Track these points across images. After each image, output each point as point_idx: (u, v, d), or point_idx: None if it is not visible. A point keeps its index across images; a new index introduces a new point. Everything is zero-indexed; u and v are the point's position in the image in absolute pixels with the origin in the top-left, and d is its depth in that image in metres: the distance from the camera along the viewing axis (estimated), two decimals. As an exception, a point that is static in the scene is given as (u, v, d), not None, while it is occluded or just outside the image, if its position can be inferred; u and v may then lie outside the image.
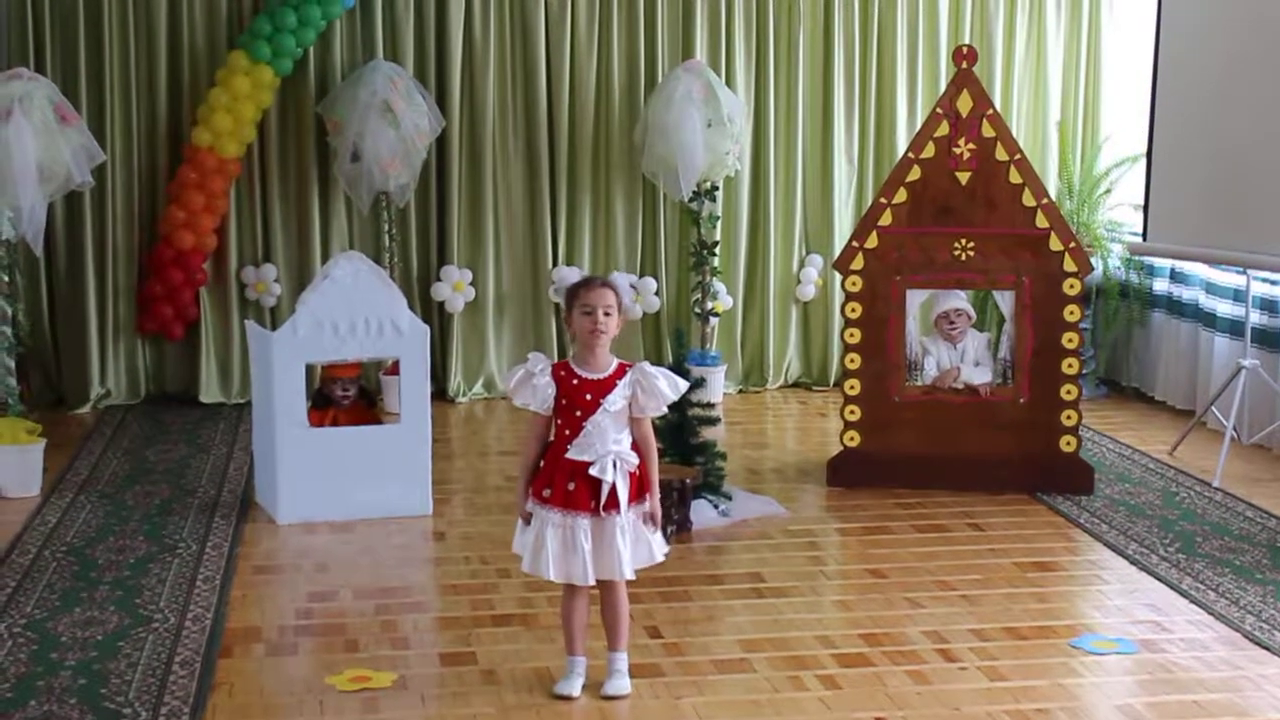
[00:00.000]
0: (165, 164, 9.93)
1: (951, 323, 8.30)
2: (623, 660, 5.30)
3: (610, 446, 5.14)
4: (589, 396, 5.15)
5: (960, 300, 8.34)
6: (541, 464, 5.22)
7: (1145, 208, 9.09)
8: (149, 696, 5.19)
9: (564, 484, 5.14)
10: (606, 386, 5.17)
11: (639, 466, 5.21)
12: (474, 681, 5.38)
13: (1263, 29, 8.24)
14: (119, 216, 9.90)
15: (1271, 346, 9.02)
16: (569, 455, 5.15)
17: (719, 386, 10.44)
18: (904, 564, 6.81)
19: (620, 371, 5.21)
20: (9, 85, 7.83)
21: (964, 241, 7.93)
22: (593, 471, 5.11)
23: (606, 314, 5.17)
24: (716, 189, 10.41)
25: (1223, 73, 8.50)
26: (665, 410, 5.35)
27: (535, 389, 5.18)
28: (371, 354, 7.69)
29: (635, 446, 5.22)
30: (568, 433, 5.17)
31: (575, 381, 5.17)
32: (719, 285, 10.55)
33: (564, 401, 5.17)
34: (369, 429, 7.74)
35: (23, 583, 6.40)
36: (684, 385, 5.34)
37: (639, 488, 5.21)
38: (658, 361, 9.99)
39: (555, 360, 5.31)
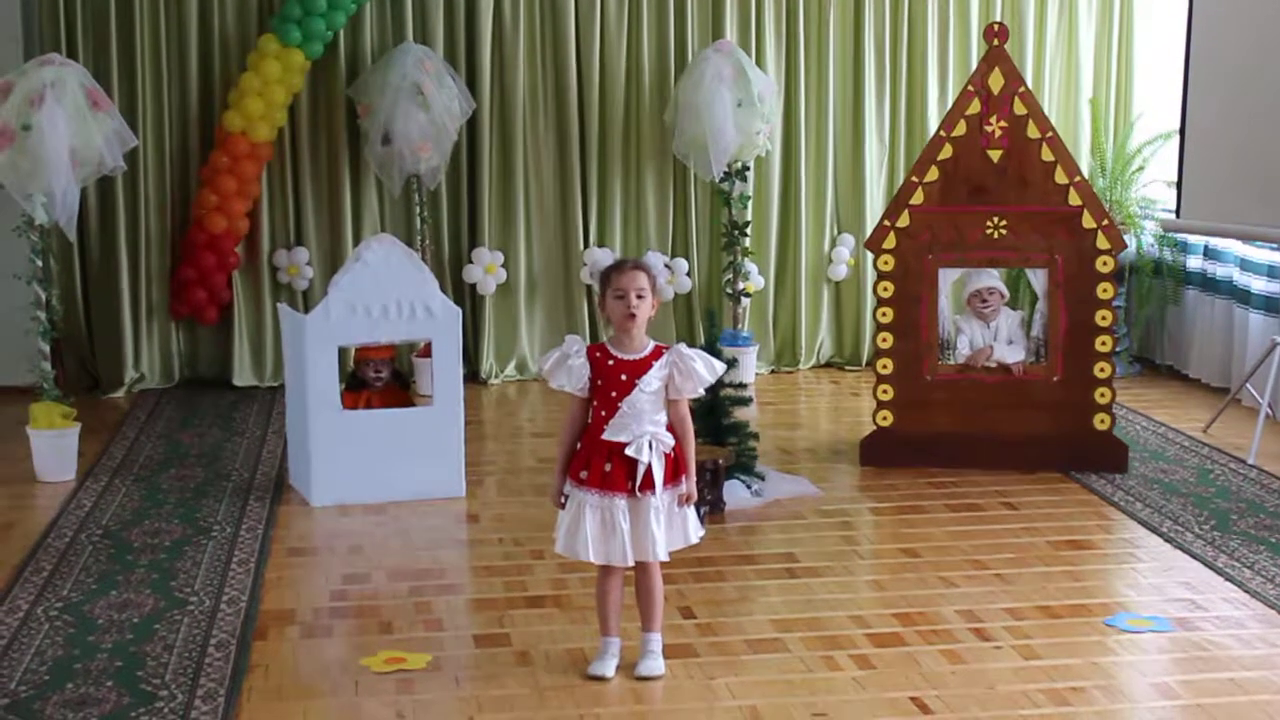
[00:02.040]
0: (197, 148, 9.96)
1: (984, 301, 8.27)
2: (656, 641, 5.31)
3: (647, 427, 5.14)
4: (625, 377, 5.14)
5: (993, 279, 8.31)
6: (579, 446, 5.23)
7: (1178, 184, 9.04)
8: (185, 679, 5.21)
9: (601, 465, 5.14)
10: (643, 367, 5.16)
11: (675, 448, 5.20)
12: (508, 663, 5.40)
13: (1297, 3, 8.20)
14: (151, 201, 9.94)
15: (1306, 323, 8.99)
16: (605, 436, 5.15)
17: (751, 367, 10.43)
18: (937, 543, 6.80)
19: (657, 353, 5.21)
20: (41, 71, 7.84)
21: (996, 219, 7.90)
22: (629, 452, 5.10)
23: (639, 297, 5.16)
24: (747, 169, 10.39)
25: (1255, 47, 8.45)
26: (702, 392, 5.34)
27: (571, 370, 5.18)
28: (404, 336, 7.70)
29: (671, 428, 5.22)
30: (604, 414, 5.16)
31: (611, 363, 5.17)
32: (750, 265, 10.54)
33: (600, 383, 5.17)
34: (401, 411, 7.75)
35: (59, 566, 6.44)
36: (721, 368, 5.34)
37: (675, 469, 5.21)
38: (690, 342, 10.02)
39: (590, 342, 5.31)
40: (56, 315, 8.27)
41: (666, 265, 10.49)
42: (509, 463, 8.30)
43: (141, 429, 8.96)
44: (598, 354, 5.19)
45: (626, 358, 5.17)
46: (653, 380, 5.16)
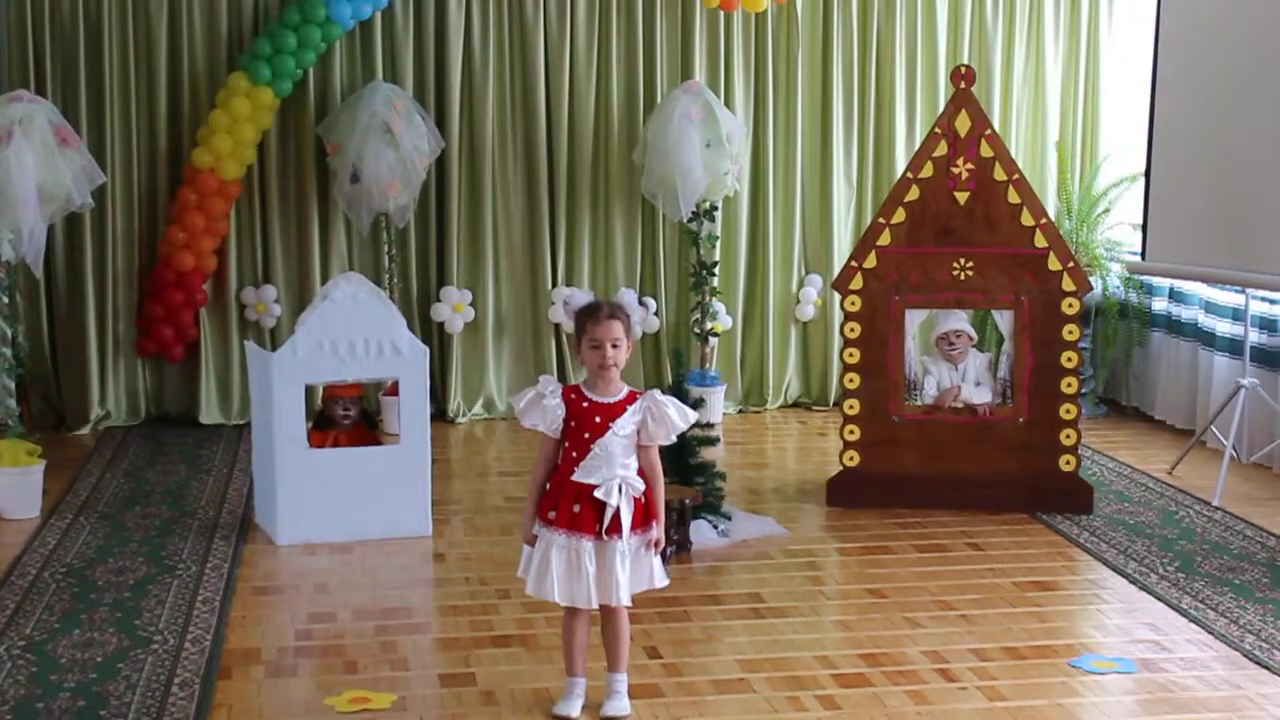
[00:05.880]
0: (165, 185, 9.94)
1: (951, 344, 8.30)
2: (622, 681, 5.31)
3: (617, 471, 5.15)
4: (598, 420, 5.15)
5: (960, 321, 8.35)
6: (548, 486, 5.23)
7: (1144, 227, 9.10)
8: (148, 718, 5.18)
9: (569, 506, 5.14)
10: (616, 411, 5.18)
11: (645, 493, 5.21)
12: (473, 702, 5.38)
13: (1260, 48, 8.25)
14: (119, 238, 9.91)
15: (1270, 365, 9.03)
16: (575, 478, 5.15)
17: (718, 407, 10.44)
18: (903, 584, 6.81)
19: (631, 397, 5.22)
20: (9, 108, 7.84)
21: (963, 261, 7.94)
22: (598, 494, 5.11)
23: (614, 346, 5.18)
24: (715, 209, 10.42)
25: (1221, 92, 8.52)
26: (674, 439, 5.34)
27: (545, 410, 5.19)
28: (371, 375, 7.69)
29: (641, 473, 5.23)
30: (575, 455, 5.17)
31: (585, 404, 5.18)
32: (718, 305, 10.56)
33: (573, 424, 5.18)
34: (368, 450, 7.72)
35: (22, 604, 6.40)
36: (694, 416, 5.36)
37: (644, 514, 5.22)
38: (657, 382, 10.03)
39: (558, 382, 5.31)
40: (22, 352, 8.25)
41: (641, 302, 10.49)
42: (476, 502, 8.29)
43: (107, 466, 8.92)
44: (572, 395, 5.20)
45: (601, 400, 5.18)
46: (626, 424, 5.17)
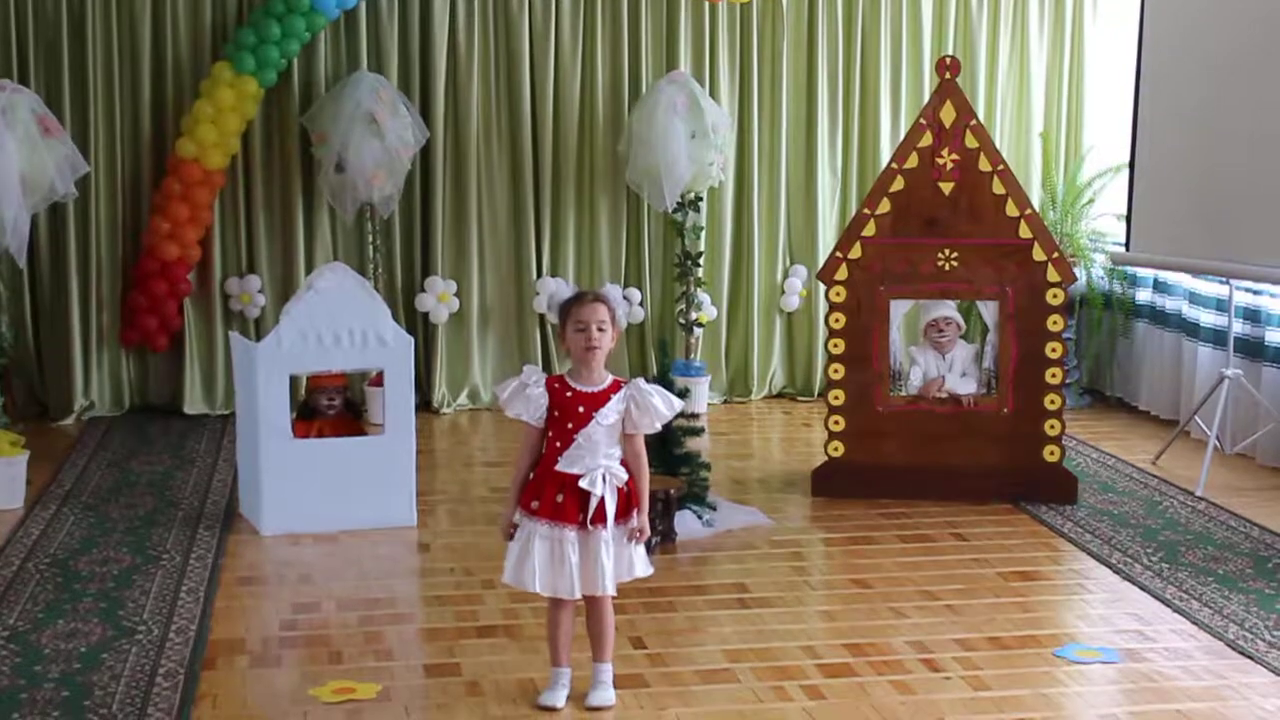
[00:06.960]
0: (149, 175, 9.91)
1: (940, 330, 8.30)
2: (607, 671, 5.31)
3: (601, 460, 5.14)
4: (582, 409, 5.15)
5: (950, 309, 8.35)
6: (531, 476, 5.23)
7: (1128, 218, 9.11)
8: (132, 709, 5.18)
9: (553, 496, 5.14)
10: (600, 400, 5.17)
11: (629, 483, 5.21)
12: (458, 693, 5.38)
13: (1245, 40, 8.27)
14: (103, 228, 9.89)
15: (1254, 356, 9.05)
16: (559, 468, 5.15)
17: (703, 397, 10.44)
18: (888, 574, 6.82)
19: (615, 386, 5.21)
20: (-8, 97, 7.83)
21: (947, 252, 7.94)
22: (582, 484, 5.10)
23: (600, 329, 5.17)
24: (700, 200, 10.42)
25: (1205, 83, 8.52)
26: (659, 428, 5.34)
27: (529, 399, 5.18)
28: (355, 365, 7.69)
29: (625, 463, 5.22)
30: (558, 445, 5.16)
31: (569, 394, 5.17)
32: (703, 296, 10.55)
33: (556, 414, 5.17)
34: (352, 440, 7.72)
35: (6, 595, 6.39)
36: (679, 404, 5.34)
37: (627, 504, 5.21)
38: (642, 372, 10.03)
39: (543, 372, 5.31)
40: (6, 342, 8.23)
41: (625, 297, 10.49)
42: (460, 492, 8.29)
43: (91, 457, 8.90)
44: (556, 385, 5.19)
45: (584, 390, 5.17)
46: (610, 414, 5.16)
